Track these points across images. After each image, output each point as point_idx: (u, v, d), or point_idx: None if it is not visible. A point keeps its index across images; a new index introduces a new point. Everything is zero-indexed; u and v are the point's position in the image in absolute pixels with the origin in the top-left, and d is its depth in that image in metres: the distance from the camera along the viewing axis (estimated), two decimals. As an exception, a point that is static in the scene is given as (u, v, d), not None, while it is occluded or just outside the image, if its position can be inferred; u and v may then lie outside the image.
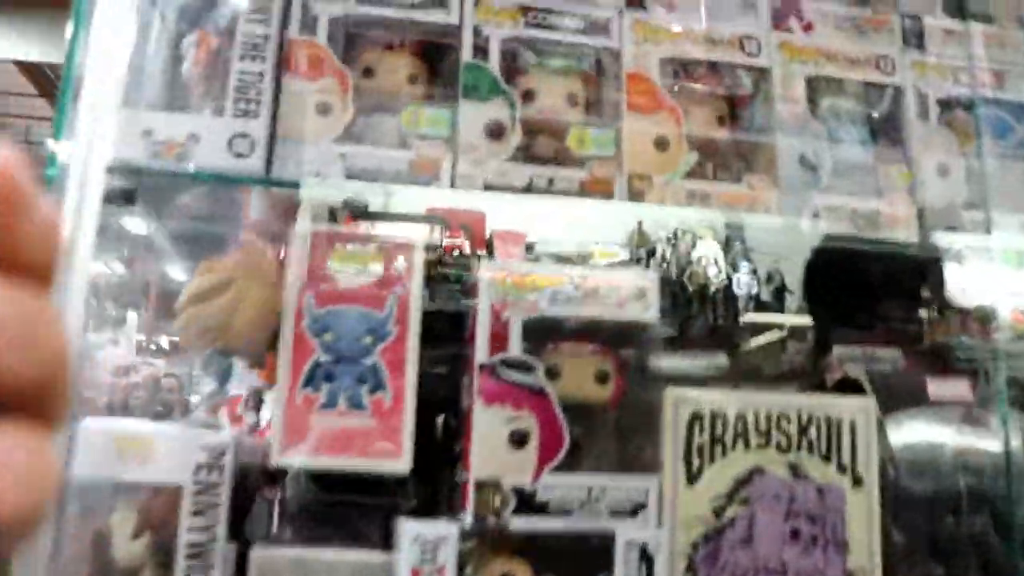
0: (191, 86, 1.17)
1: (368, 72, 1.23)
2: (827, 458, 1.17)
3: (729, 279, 1.56)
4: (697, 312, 1.59)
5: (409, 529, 1.05)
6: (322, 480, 1.15)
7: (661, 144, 1.23)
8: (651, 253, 1.49)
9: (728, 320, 1.59)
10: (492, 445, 1.08)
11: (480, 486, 1.07)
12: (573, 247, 1.51)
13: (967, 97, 1.38)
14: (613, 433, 1.14)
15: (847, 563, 1.15)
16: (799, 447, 1.17)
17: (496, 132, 1.20)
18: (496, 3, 1.23)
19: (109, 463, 1.04)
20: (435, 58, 1.25)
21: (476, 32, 1.22)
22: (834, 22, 1.37)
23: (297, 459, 1.12)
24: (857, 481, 1.18)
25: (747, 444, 1.15)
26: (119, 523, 1.06)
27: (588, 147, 1.22)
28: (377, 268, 1.18)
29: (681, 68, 1.30)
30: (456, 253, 1.52)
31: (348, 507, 1.18)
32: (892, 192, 1.32)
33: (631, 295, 1.13)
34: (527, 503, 1.07)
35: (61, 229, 0.28)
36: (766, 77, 1.32)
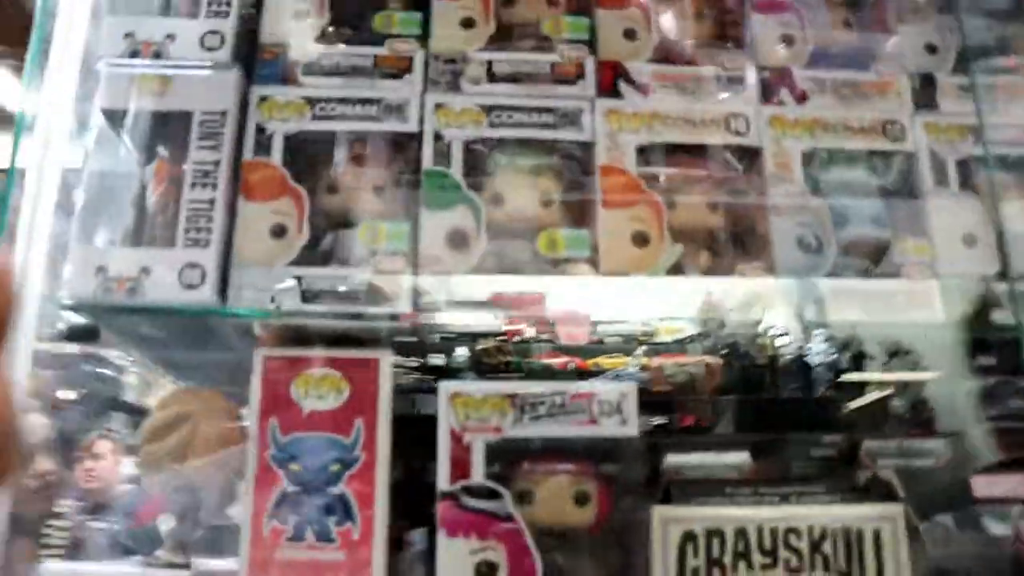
0: (152, 219, 1.16)
1: (332, 189, 1.20)
2: (847, 578, 1.04)
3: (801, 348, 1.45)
4: (768, 385, 1.49)
5: None
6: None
7: (639, 240, 1.15)
8: (722, 325, 1.39)
9: (803, 392, 1.48)
10: (459, 582, 1.00)
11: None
12: (638, 324, 1.43)
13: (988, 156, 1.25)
14: (598, 560, 1.04)
15: None
16: (812, 566, 1.04)
17: (459, 242, 1.14)
18: (457, 106, 1.19)
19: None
20: (398, 167, 1.21)
21: (437, 137, 1.18)
22: (832, 88, 1.27)
23: (267, 596, 1.06)
24: (886, 602, 1.03)
25: (750, 565, 1.03)
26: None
27: (561, 249, 1.15)
28: (343, 391, 1.13)
29: (663, 155, 1.22)
30: (517, 340, 1.46)
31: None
32: (910, 268, 1.19)
33: (606, 409, 1.04)
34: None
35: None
36: (758, 156, 1.22)
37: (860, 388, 1.43)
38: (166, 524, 1.09)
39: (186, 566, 1.05)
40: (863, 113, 1.25)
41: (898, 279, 1.19)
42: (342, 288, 1.10)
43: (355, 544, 1.08)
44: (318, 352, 1.11)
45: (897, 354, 1.44)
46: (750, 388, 1.45)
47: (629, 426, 1.04)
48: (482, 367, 1.41)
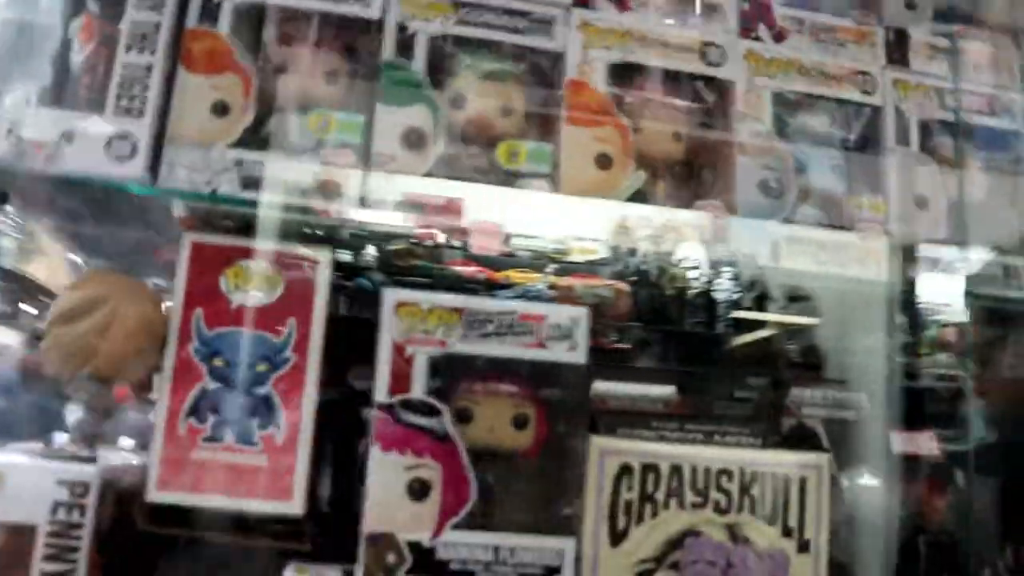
0: (77, 79, 1.05)
1: (280, 69, 1.10)
2: (771, 520, 1.05)
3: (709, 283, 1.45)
4: (674, 317, 1.48)
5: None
6: (205, 520, 1.03)
7: (602, 162, 1.10)
8: (632, 252, 1.37)
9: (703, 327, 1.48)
10: (388, 495, 0.96)
11: (373, 540, 0.95)
12: (551, 242, 1.38)
13: (954, 122, 1.24)
14: (531, 485, 1.01)
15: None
16: (740, 508, 1.04)
17: (415, 142, 1.07)
18: (426, -4, 1.11)
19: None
20: (356, 56, 1.12)
21: (400, 28, 1.09)
22: (810, 31, 1.24)
23: (177, 496, 1.00)
24: (803, 547, 1.05)
25: (681, 503, 1.03)
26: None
27: (521, 161, 1.09)
28: (277, 287, 1.06)
29: (632, 76, 1.16)
30: (429, 243, 1.40)
31: (234, 551, 1.06)
32: (863, 224, 1.19)
33: (555, 333, 1.01)
34: (424, 562, 0.95)
35: None
36: (729, 91, 1.19)
37: (759, 327, 1.45)
38: (72, 414, 1.01)
39: (92, 459, 0.98)
40: (839, 60, 1.22)
41: (850, 233, 1.18)
42: (288, 177, 1.02)
43: (278, 449, 1.03)
44: (255, 243, 1.03)
45: (795, 299, 1.45)
46: (655, 317, 1.44)
47: (578, 353, 1.01)
48: (390, 269, 1.34)
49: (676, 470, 1.03)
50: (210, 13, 1.06)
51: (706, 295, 1.48)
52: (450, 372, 0.99)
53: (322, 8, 1.09)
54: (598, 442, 1.02)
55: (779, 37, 1.22)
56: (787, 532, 1.05)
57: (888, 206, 1.20)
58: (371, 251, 1.41)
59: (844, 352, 1.35)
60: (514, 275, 1.45)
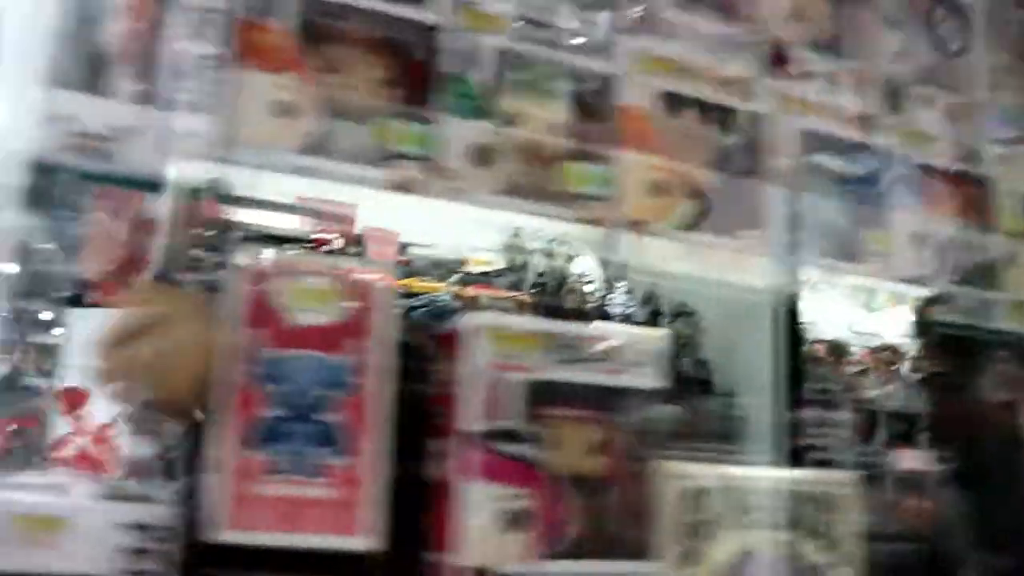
0: (108, 58, 0.92)
1: (334, 70, 1.03)
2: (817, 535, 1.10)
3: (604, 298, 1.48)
4: None
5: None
6: (271, 559, 0.93)
7: (658, 188, 1.12)
8: (523, 265, 1.37)
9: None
10: (483, 527, 0.92)
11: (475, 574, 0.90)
12: (447, 250, 1.37)
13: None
14: (612, 511, 1.01)
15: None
16: (785, 524, 1.09)
17: (482, 158, 1.04)
18: (488, 7, 1.07)
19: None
20: (409, 63, 1.07)
21: (462, 38, 1.05)
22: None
23: (239, 535, 0.90)
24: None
25: (742, 521, 1.06)
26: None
27: (584, 184, 1.09)
28: (339, 306, 0.99)
29: (678, 105, 1.19)
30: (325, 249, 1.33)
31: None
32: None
33: (633, 359, 1.01)
34: (520, 595, 0.92)
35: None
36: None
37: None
38: (133, 447, 0.89)
39: (158, 499, 0.87)
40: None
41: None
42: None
43: (346, 481, 0.96)
44: (315, 261, 0.96)
45: (681, 315, 1.54)
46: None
47: (654, 378, 1.01)
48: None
49: (727, 491, 1.06)
50: (266, 7, 0.97)
51: (602, 308, 1.53)
52: (537, 399, 0.97)
53: (382, 9, 1.03)
54: (665, 466, 1.03)
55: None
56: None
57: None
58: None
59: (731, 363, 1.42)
60: (415, 284, 1.43)
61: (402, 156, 0.99)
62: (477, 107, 1.05)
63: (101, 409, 0.94)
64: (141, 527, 0.82)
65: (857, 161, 1.36)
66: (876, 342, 1.48)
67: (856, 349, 1.47)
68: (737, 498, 1.06)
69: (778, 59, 1.24)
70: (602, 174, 1.09)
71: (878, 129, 1.34)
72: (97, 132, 0.87)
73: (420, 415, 1.00)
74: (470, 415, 0.94)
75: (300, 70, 0.97)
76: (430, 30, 1.05)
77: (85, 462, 0.96)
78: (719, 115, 1.22)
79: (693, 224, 1.13)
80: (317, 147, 0.97)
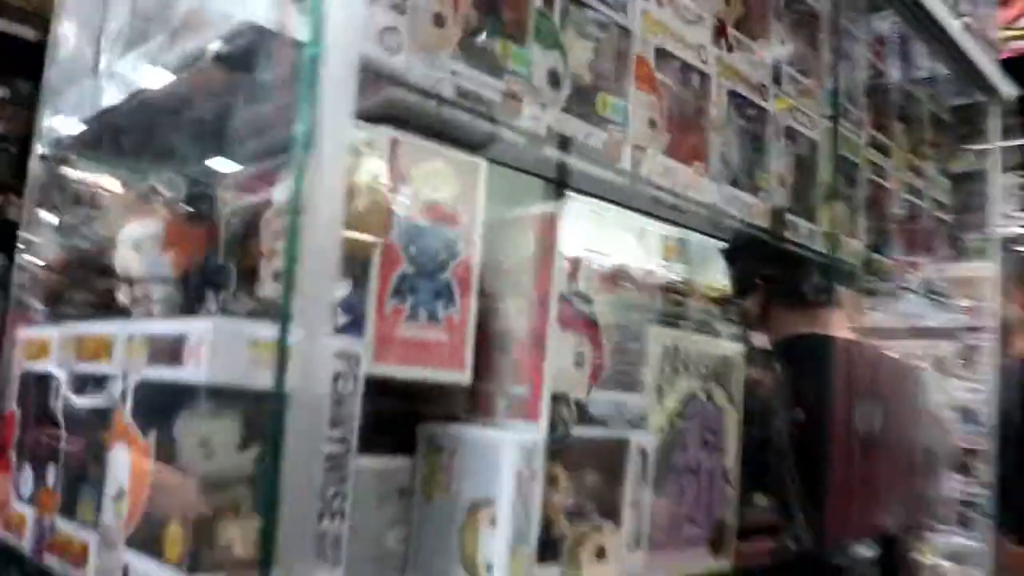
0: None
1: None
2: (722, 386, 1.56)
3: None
4: None
5: (508, 438, 1.16)
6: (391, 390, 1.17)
7: (652, 123, 1.47)
8: None
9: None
10: (562, 365, 1.24)
11: (555, 399, 1.22)
12: None
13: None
14: (616, 356, 1.36)
15: (725, 462, 1.55)
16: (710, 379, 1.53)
17: (555, 82, 1.32)
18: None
19: (236, 368, 0.94)
20: None
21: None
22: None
23: (388, 368, 1.12)
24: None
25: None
26: (223, 432, 0.96)
27: (608, 112, 1.40)
28: (454, 187, 1.22)
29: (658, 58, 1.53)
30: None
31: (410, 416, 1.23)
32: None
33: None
34: (582, 415, 1.25)
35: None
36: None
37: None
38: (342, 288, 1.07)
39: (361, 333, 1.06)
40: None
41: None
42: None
43: (456, 328, 1.21)
44: (444, 147, 1.18)
45: None
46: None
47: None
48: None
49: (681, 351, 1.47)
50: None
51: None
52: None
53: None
54: (655, 331, 1.42)
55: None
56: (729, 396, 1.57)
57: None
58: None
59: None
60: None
61: (513, 73, 1.24)
62: (554, 39, 1.31)
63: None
64: (348, 356, 1.02)
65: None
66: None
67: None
68: (685, 356, 1.48)
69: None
70: (621, 106, 1.42)
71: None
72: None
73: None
74: (556, 280, 1.24)
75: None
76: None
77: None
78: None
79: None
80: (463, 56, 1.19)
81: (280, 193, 1.08)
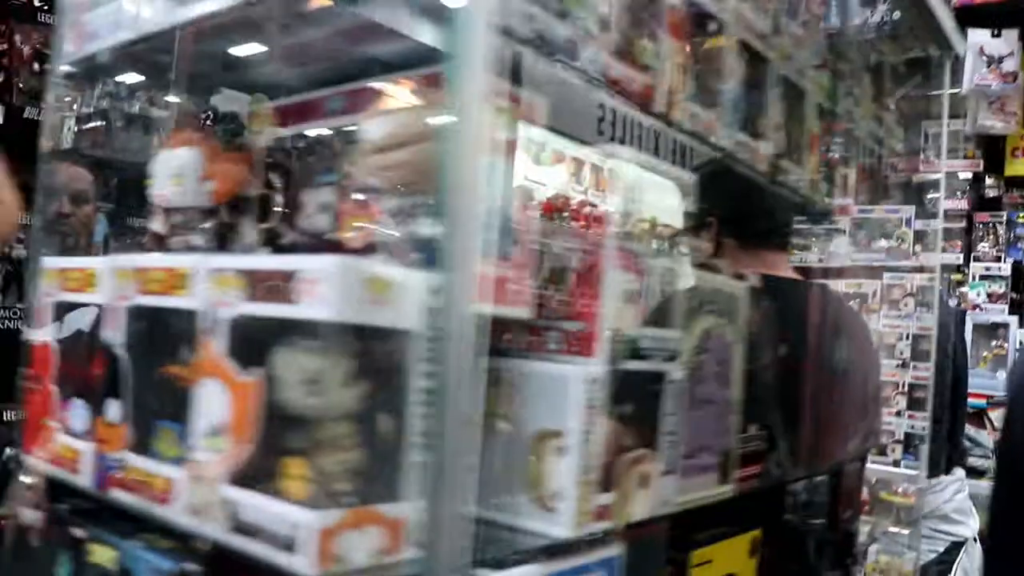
0: None
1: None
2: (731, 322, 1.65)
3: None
4: None
5: (577, 370, 1.21)
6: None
7: (682, 69, 1.52)
8: None
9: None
10: (617, 303, 1.29)
11: (612, 335, 1.27)
12: None
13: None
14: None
15: (733, 393, 1.66)
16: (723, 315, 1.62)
17: (603, 27, 1.34)
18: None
19: (353, 305, 0.96)
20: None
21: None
22: None
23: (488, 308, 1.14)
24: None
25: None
26: (329, 368, 0.98)
27: (647, 57, 1.44)
28: (516, 126, 1.24)
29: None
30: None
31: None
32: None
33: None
34: (632, 349, 1.32)
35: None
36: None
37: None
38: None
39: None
40: None
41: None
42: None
43: (519, 264, 1.25)
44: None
45: None
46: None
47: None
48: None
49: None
50: None
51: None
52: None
53: None
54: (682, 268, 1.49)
55: None
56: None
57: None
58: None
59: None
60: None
61: (575, 16, 1.26)
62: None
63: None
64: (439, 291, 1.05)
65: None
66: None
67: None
68: (702, 293, 1.56)
69: None
70: (654, 51, 1.46)
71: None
72: None
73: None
74: (611, 219, 1.29)
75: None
76: None
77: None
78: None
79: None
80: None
81: (375, 128, 1.08)
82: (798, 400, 2.01)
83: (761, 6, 1.80)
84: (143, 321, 1.17)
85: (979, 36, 4.30)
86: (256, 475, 0.98)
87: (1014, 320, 4.11)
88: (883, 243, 3.84)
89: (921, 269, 3.70)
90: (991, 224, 4.06)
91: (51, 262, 1.33)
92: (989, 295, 3.86)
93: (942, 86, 2.54)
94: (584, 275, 1.30)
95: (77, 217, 1.68)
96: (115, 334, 1.19)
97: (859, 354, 2.46)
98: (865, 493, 2.92)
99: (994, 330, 4.13)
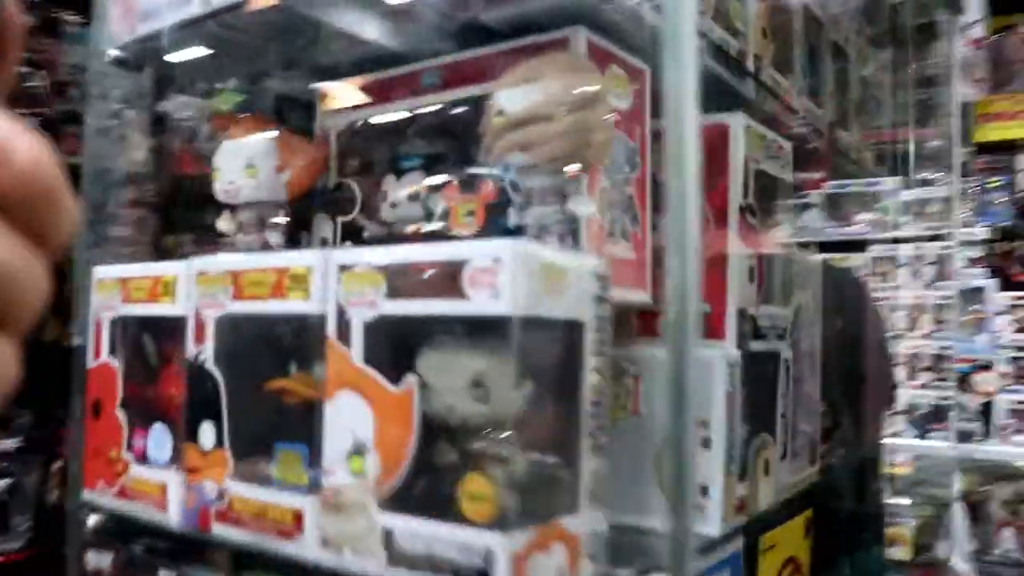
0: None
1: None
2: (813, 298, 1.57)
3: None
4: None
5: (718, 356, 1.11)
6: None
7: (764, 33, 1.43)
8: None
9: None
10: (741, 281, 1.19)
11: (740, 315, 1.18)
12: None
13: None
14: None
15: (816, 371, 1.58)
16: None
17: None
18: None
19: (530, 297, 0.84)
20: None
21: None
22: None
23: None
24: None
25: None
26: (495, 368, 0.85)
27: (737, 22, 1.35)
28: (630, 97, 1.13)
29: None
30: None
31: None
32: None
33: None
34: (755, 330, 1.22)
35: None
36: None
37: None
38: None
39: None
40: None
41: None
42: None
43: (640, 245, 1.14)
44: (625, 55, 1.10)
45: None
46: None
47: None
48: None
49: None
50: None
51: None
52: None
53: None
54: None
55: None
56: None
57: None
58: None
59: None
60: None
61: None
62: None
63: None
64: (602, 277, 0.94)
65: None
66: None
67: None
68: (793, 270, 1.48)
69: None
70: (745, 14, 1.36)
71: None
72: None
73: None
74: (735, 195, 1.20)
75: None
76: None
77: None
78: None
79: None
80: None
81: (511, 101, 0.95)
82: (854, 375, 1.95)
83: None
84: (240, 331, 1.02)
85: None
86: (419, 498, 0.85)
87: (991, 284, 4.17)
88: (866, 215, 3.86)
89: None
90: (966, 191, 4.11)
91: (106, 271, 1.17)
92: (972, 260, 3.90)
93: (947, 50, 2.52)
94: (709, 252, 1.20)
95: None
96: (203, 348, 1.04)
97: (874, 319, 2.43)
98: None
99: (973, 295, 4.18)
